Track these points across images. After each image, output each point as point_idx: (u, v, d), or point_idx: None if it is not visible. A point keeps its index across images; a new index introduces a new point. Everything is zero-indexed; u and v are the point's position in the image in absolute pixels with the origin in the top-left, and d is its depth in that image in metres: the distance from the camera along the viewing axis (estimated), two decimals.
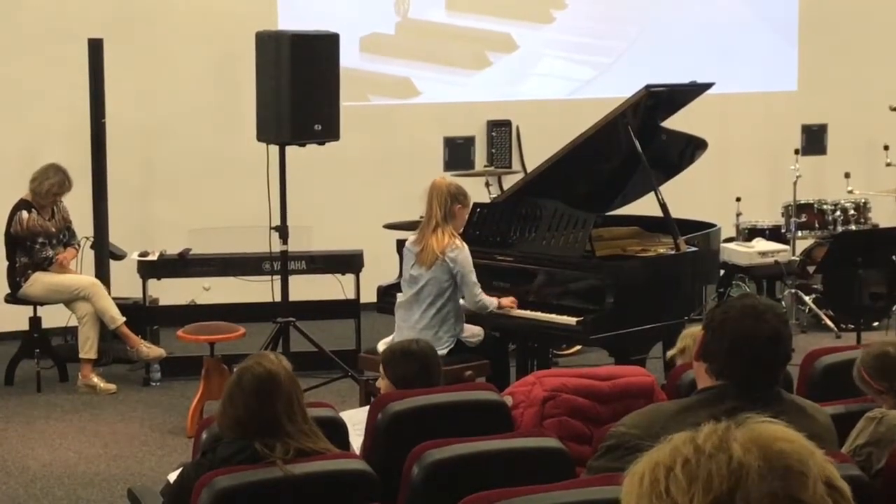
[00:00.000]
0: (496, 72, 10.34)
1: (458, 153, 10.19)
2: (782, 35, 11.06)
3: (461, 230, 6.57)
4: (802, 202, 9.43)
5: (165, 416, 7.37)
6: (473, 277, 6.44)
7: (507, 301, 6.60)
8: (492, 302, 6.53)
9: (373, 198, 9.72)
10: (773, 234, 9.36)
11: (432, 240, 6.42)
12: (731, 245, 8.99)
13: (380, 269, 7.68)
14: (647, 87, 6.81)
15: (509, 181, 8.66)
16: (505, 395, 4.67)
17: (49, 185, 7.93)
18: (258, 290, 8.15)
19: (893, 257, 8.86)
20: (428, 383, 4.67)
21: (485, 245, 6.83)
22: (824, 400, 3.85)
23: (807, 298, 9.18)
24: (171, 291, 8.56)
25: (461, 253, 6.41)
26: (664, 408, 3.33)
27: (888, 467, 3.38)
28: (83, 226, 8.36)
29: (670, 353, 5.14)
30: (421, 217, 7.47)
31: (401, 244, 7.17)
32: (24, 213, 7.93)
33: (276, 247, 7.70)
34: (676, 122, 7.27)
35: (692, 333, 4.87)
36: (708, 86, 7.26)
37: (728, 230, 9.03)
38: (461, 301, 6.55)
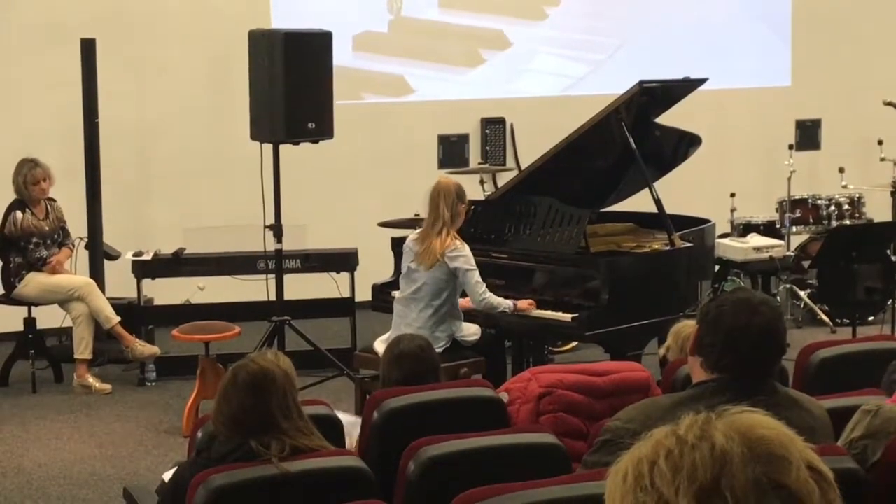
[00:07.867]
0: (490, 69, 10.33)
1: (452, 151, 10.18)
2: (775, 30, 11.07)
3: (458, 228, 6.51)
4: (797, 197, 9.43)
5: (161, 416, 7.36)
6: (476, 277, 6.37)
7: (525, 303, 6.52)
8: (503, 303, 6.43)
9: (367, 196, 9.71)
10: (768, 229, 9.36)
11: (436, 241, 6.34)
12: (726, 241, 8.98)
13: (375, 268, 7.67)
14: (641, 83, 6.80)
15: (504, 178, 8.66)
16: (501, 392, 4.66)
17: (23, 178, 7.93)
18: (253, 289, 8.14)
19: (888, 252, 8.88)
20: (420, 381, 4.64)
21: (480, 242, 6.81)
22: (820, 394, 3.85)
23: (802, 293, 9.18)
24: (166, 291, 8.55)
25: (462, 254, 6.35)
26: (659, 402, 3.33)
27: (884, 460, 3.37)
28: (77, 226, 8.35)
29: (661, 351, 5.13)
30: (416, 215, 7.45)
31: (395, 242, 7.16)
32: (18, 214, 7.92)
33: (271, 245, 7.69)
34: (670, 118, 7.27)
35: (677, 331, 4.88)
36: (701, 81, 7.26)
37: (723, 226, 9.03)
38: (466, 301, 6.53)
